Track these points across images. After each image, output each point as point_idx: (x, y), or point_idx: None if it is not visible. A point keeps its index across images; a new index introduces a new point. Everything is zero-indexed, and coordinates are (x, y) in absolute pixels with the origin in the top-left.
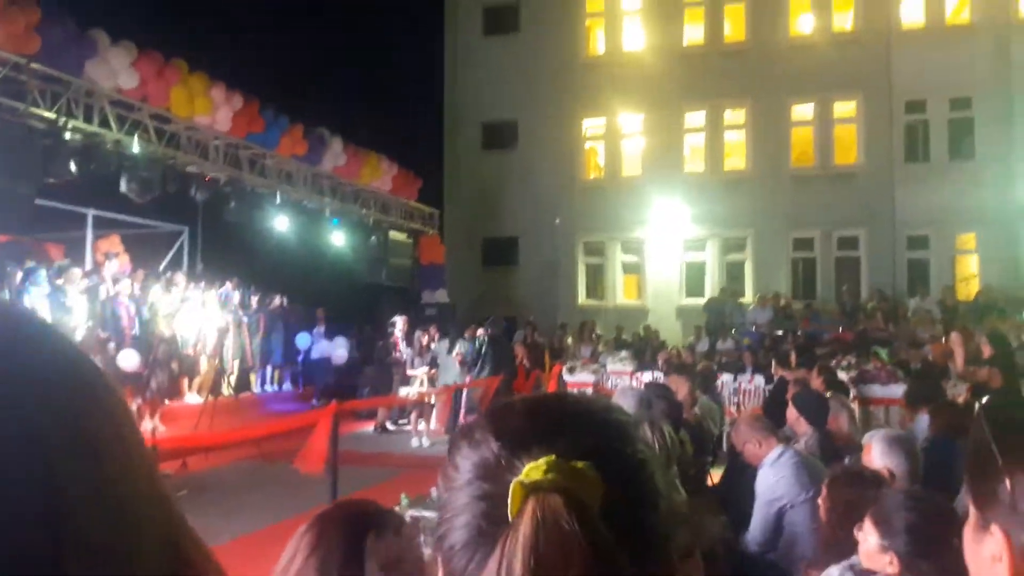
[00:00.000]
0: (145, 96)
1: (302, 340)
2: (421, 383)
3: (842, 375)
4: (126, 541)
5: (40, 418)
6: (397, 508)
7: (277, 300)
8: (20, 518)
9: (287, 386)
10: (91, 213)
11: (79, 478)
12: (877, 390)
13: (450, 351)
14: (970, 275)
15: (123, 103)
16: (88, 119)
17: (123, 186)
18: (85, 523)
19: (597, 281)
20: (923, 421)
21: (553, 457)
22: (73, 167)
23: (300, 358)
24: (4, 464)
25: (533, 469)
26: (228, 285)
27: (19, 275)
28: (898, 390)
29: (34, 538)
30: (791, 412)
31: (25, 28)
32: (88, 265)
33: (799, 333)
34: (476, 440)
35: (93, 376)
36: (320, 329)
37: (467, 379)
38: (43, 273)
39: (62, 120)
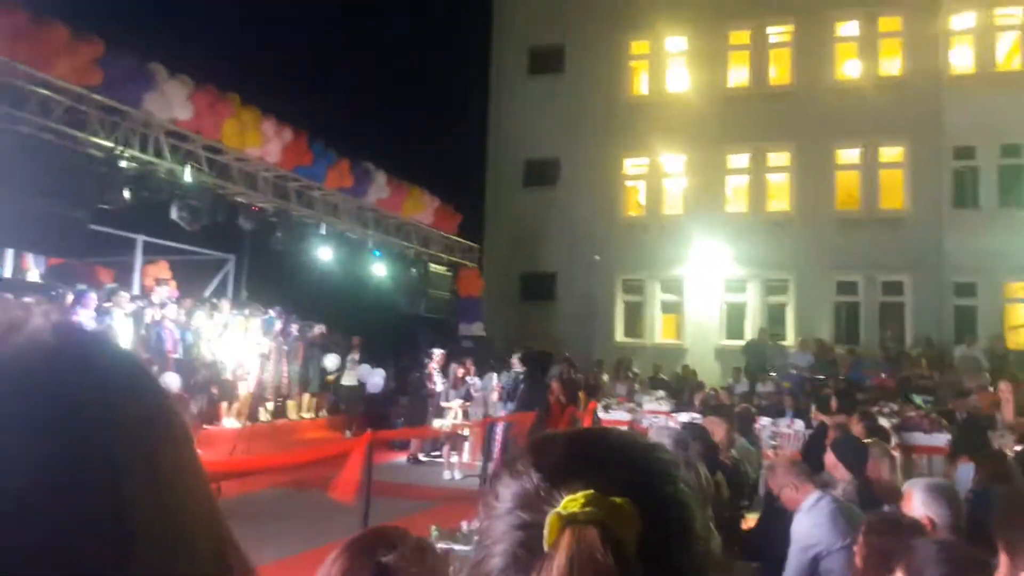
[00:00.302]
0: (199, 128)
1: (330, 361)
2: (455, 416)
3: (884, 422)
4: (185, 557)
5: (109, 438)
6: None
7: (317, 329)
8: (90, 537)
9: (323, 414)
10: (141, 239)
11: (145, 499)
12: (920, 438)
13: (484, 383)
14: (1019, 324)
15: (177, 134)
16: (143, 148)
17: (173, 213)
18: (149, 544)
19: (635, 319)
20: (967, 471)
21: (592, 491)
22: (127, 194)
23: (324, 379)
24: (75, 484)
25: (571, 501)
26: (271, 313)
27: (70, 297)
28: (941, 439)
29: (103, 557)
30: (830, 458)
31: (89, 61)
32: (136, 289)
33: (840, 378)
34: (517, 471)
35: (160, 398)
36: (355, 356)
37: (501, 412)
38: (92, 296)
39: (119, 149)
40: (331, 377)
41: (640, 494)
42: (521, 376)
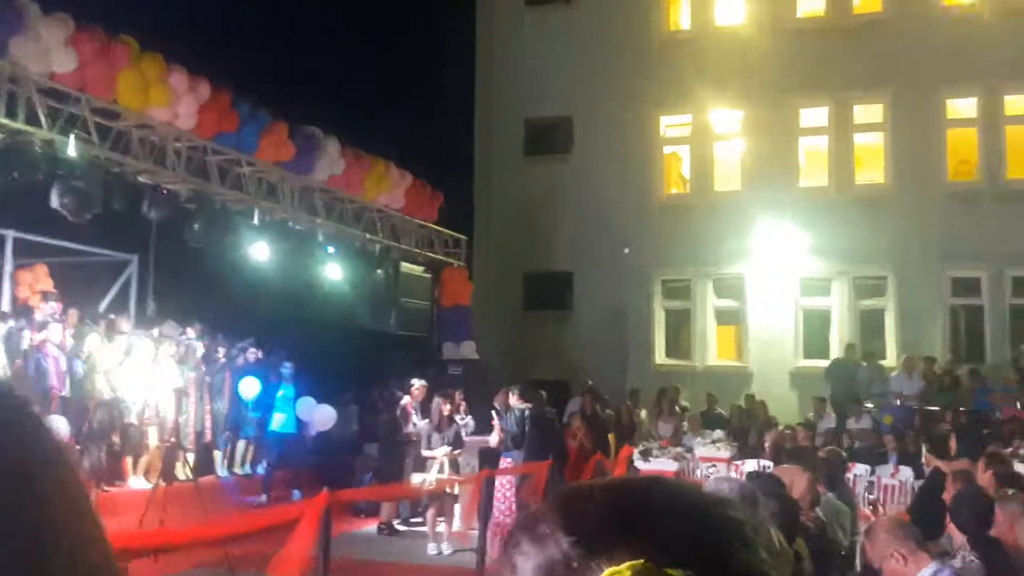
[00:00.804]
0: (84, 83)
1: (247, 388)
2: (441, 468)
3: (1020, 467)
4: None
5: None
6: None
7: (252, 352)
8: None
9: (263, 468)
10: (11, 235)
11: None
12: None
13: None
14: None
15: (56, 92)
16: (10, 113)
17: (54, 200)
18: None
19: (681, 334)
20: None
21: (642, 561)
22: None
23: (245, 413)
24: None
25: (614, 573)
26: (189, 332)
27: None
28: None
29: None
30: (950, 517)
31: None
32: (6, 304)
33: (961, 409)
34: (541, 535)
35: (47, 448)
36: (287, 387)
37: (505, 460)
38: None
39: None
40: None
41: (705, 565)
42: (528, 414)
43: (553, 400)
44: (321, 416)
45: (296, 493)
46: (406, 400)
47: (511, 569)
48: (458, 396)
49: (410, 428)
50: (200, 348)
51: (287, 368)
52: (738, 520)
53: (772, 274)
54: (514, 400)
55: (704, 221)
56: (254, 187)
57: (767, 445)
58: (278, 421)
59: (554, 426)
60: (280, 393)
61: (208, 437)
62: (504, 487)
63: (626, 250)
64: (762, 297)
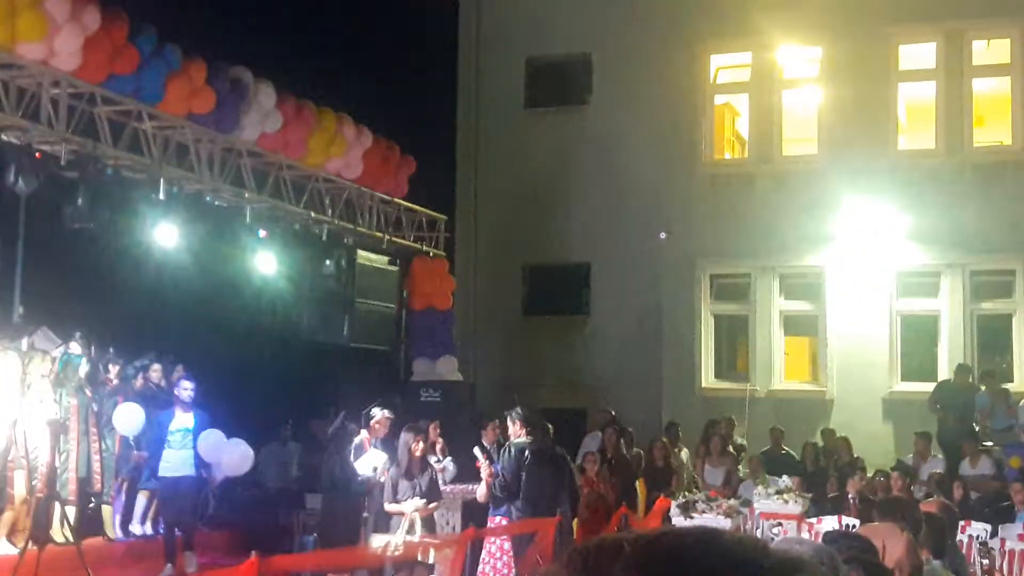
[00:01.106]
0: None
1: (125, 419)
2: (411, 527)
3: None
4: None
5: None
6: None
7: (154, 371)
8: None
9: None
10: None
11: None
12: None
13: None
14: None
15: None
16: None
17: None
18: None
19: (736, 348)
20: None
21: None
22: None
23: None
24: None
25: None
26: (72, 345)
27: None
28: None
29: None
30: None
31: None
32: None
33: None
34: None
35: None
36: (185, 416)
37: (493, 519)
38: None
39: None
40: (137, 454)
41: None
42: (528, 451)
43: (563, 436)
44: (232, 457)
45: (190, 556)
46: (363, 436)
47: None
48: (433, 430)
49: (369, 474)
50: (85, 366)
51: (187, 388)
52: None
53: (860, 268)
54: (514, 431)
55: (768, 196)
56: (159, 149)
57: (852, 496)
58: (169, 462)
59: (564, 468)
60: (174, 424)
61: (96, 486)
62: (495, 554)
63: (663, 235)
64: (846, 299)
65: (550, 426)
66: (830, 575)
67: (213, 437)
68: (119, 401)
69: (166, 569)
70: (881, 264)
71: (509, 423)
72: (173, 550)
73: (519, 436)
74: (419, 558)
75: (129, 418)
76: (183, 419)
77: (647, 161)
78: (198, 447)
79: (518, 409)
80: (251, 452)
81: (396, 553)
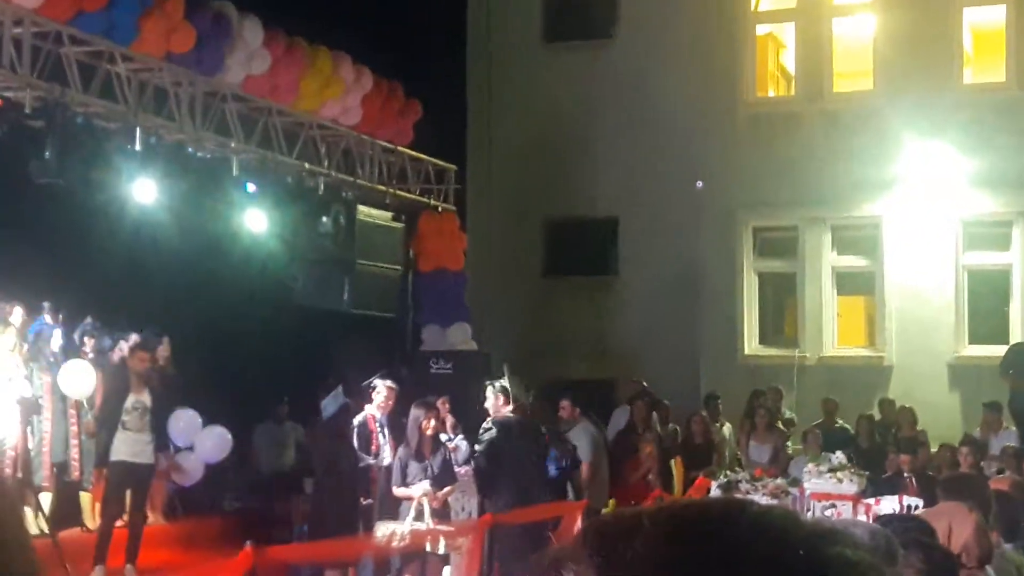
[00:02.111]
0: None
1: (72, 379)
2: (420, 514)
3: None
4: None
5: None
6: None
7: (132, 341)
8: None
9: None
10: None
11: None
12: None
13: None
14: None
15: None
16: None
17: None
18: None
19: (783, 309)
20: None
21: None
22: None
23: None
24: None
25: None
26: (44, 317)
27: None
28: None
29: None
30: None
31: None
32: None
33: None
34: None
35: None
36: (140, 391)
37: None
38: None
39: None
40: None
41: None
42: (547, 429)
43: (593, 407)
44: (208, 443)
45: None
46: (369, 412)
47: None
48: (443, 406)
49: (374, 455)
50: (58, 338)
51: (142, 359)
52: (855, 562)
53: (921, 217)
54: (495, 405)
55: (817, 139)
56: (134, 95)
57: (912, 474)
58: (120, 442)
59: (593, 448)
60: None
61: (75, 472)
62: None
63: (699, 184)
64: (906, 252)
65: (564, 404)
66: (884, 560)
67: (186, 419)
68: (98, 382)
69: (95, 572)
70: (945, 213)
71: (490, 396)
72: (106, 549)
73: (500, 412)
74: (427, 548)
75: (78, 379)
76: (139, 394)
77: (681, 101)
78: (169, 429)
79: (503, 381)
80: (228, 436)
81: (405, 542)
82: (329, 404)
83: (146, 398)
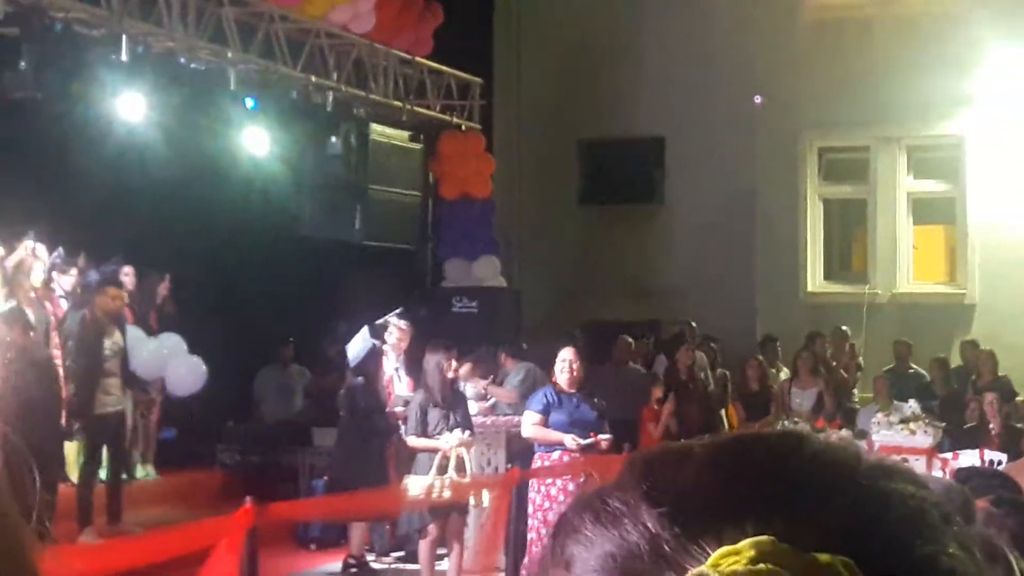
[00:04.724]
0: None
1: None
2: (445, 467)
3: None
4: None
5: None
6: None
7: (125, 275)
8: None
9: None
10: None
11: None
12: None
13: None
14: None
15: None
16: None
17: None
18: None
19: (851, 240)
20: None
21: (768, 538)
22: None
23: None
24: None
25: (728, 556)
26: (27, 244)
27: None
28: None
29: None
30: None
31: None
32: None
33: None
34: (613, 512)
35: None
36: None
37: (545, 457)
38: None
39: None
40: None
41: (866, 550)
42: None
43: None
44: (177, 372)
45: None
46: (384, 354)
47: (564, 565)
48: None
49: (390, 401)
50: (39, 272)
51: (115, 296)
52: (918, 499)
53: (1009, 137)
54: (566, 354)
55: (891, 47)
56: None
57: (993, 425)
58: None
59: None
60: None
61: (62, 417)
62: (556, 497)
63: (757, 99)
64: (991, 177)
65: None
66: (958, 517)
67: (150, 347)
68: (87, 317)
69: (84, 534)
70: None
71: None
72: (90, 510)
73: (566, 359)
74: (455, 506)
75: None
76: (112, 336)
77: (736, 3)
78: (134, 363)
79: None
80: (202, 366)
81: (428, 497)
82: (356, 347)
83: (119, 339)
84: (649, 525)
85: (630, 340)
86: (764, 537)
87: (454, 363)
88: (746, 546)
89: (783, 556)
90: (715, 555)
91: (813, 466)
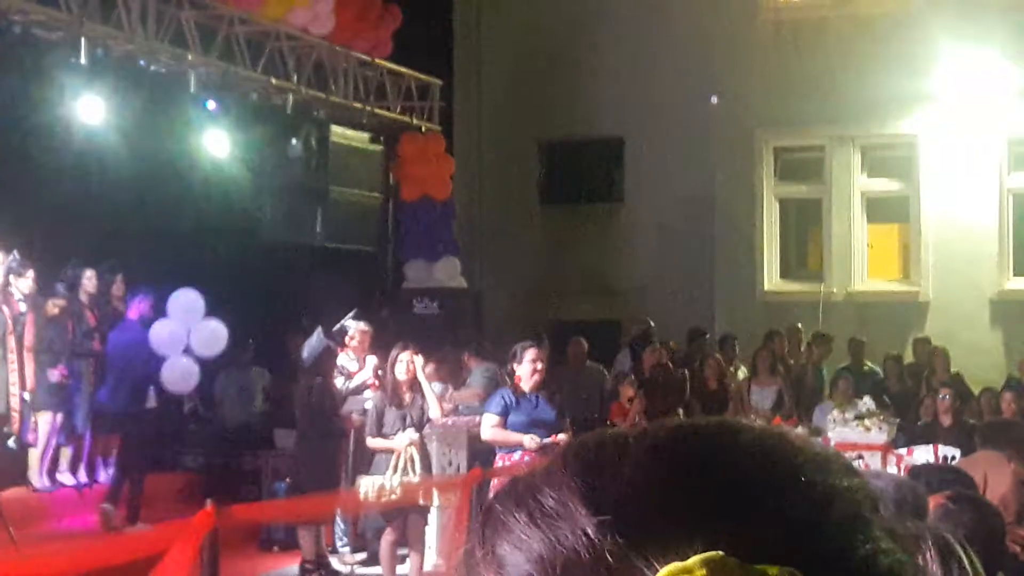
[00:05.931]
0: None
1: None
2: (403, 467)
3: None
4: None
5: None
6: None
7: (87, 279)
8: None
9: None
10: None
11: None
12: None
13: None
14: None
15: None
16: None
17: None
18: None
19: (807, 239)
20: None
21: (720, 554)
22: None
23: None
24: None
25: (679, 573)
26: None
27: None
28: None
29: None
30: None
31: None
32: None
33: None
34: (549, 512)
35: None
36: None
37: (506, 458)
38: None
39: None
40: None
41: (814, 558)
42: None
43: (593, 353)
44: (172, 371)
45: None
46: (343, 355)
47: (495, 566)
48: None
49: (352, 402)
50: None
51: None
52: (853, 490)
53: (962, 136)
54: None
55: (846, 47)
56: (78, 1)
57: (944, 420)
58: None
59: (599, 394)
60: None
61: (14, 423)
62: None
63: (714, 98)
64: (945, 175)
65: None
66: (911, 515)
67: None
68: (43, 321)
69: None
70: (989, 130)
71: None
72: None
73: (528, 358)
74: (421, 501)
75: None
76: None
77: (694, 5)
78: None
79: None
80: (194, 367)
81: (393, 497)
82: (309, 348)
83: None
84: (590, 532)
85: (583, 340)
86: (713, 553)
87: (409, 364)
88: (696, 563)
89: (733, 572)
90: (664, 572)
91: (752, 462)
